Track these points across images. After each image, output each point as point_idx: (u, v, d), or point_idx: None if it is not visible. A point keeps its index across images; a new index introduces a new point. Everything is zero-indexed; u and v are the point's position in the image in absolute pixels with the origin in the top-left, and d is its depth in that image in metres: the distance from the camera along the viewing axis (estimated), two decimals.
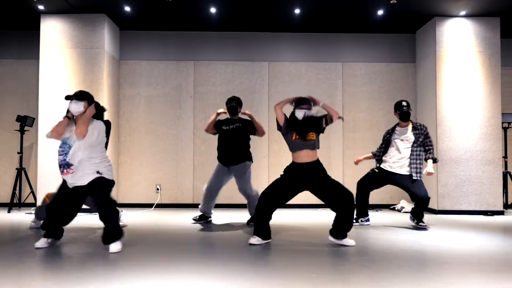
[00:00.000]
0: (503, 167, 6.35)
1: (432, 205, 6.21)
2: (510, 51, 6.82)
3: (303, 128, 3.78)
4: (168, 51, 6.86)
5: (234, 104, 4.90)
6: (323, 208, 6.58)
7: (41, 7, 5.91)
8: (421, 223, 4.67)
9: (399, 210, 6.43)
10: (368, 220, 4.94)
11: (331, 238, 3.74)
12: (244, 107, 6.52)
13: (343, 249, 3.59)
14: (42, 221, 4.48)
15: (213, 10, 6.01)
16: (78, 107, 3.46)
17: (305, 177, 3.77)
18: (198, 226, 4.87)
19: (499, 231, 4.65)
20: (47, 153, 6.04)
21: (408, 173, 4.65)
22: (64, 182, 3.53)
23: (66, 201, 3.51)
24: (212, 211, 5.16)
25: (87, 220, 5.15)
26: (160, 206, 6.67)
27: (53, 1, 5.72)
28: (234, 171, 4.85)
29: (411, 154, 4.65)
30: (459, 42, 6.19)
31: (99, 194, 3.45)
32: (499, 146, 6.13)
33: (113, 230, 3.43)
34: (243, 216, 5.59)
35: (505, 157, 6.44)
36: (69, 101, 3.51)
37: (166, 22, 6.52)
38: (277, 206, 3.84)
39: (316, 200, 6.73)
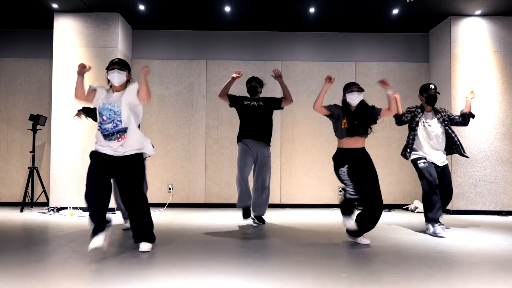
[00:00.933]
0: None
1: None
2: None
3: (359, 120, 3.65)
4: (181, 50, 6.83)
5: (254, 83, 4.83)
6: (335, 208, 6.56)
7: (55, 5, 5.89)
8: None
9: (412, 211, 6.41)
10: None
11: (347, 235, 3.76)
12: None
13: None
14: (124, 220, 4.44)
15: (227, 9, 5.99)
16: (121, 76, 3.39)
17: (352, 161, 3.62)
18: (215, 224, 4.84)
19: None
20: (59, 152, 6.02)
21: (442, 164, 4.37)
22: (96, 160, 3.32)
23: (105, 180, 3.30)
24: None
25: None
26: (172, 205, 6.65)
27: (67, 0, 5.70)
28: (256, 154, 4.67)
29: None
30: (474, 41, 6.17)
31: (136, 176, 3.33)
32: None
33: (147, 225, 3.37)
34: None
35: None
36: (110, 71, 3.40)
37: (179, 21, 6.50)
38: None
39: (329, 200, 6.73)
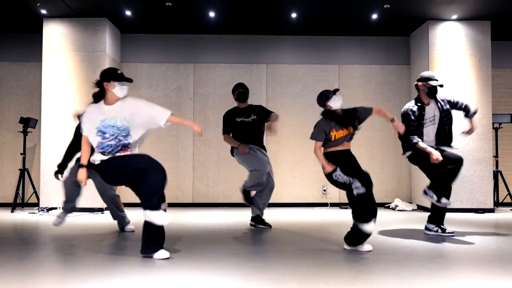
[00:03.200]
0: (494, 166, 6.54)
1: (425, 203, 6.40)
2: (500, 54, 7.01)
3: (344, 121, 3.60)
4: (168, 54, 7.01)
5: (241, 90, 4.76)
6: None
7: (43, 11, 6.05)
8: (445, 228, 4.22)
9: (393, 209, 6.61)
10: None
11: (346, 245, 3.56)
12: None
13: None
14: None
15: (212, 14, 6.17)
16: (127, 89, 3.31)
17: (342, 162, 3.55)
18: (203, 223, 5.02)
19: (491, 228, 4.84)
20: (50, 154, 6.18)
21: None
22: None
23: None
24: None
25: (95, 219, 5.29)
26: None
27: (56, 6, 5.87)
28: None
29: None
30: (451, 45, 6.38)
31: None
32: (490, 145, 6.32)
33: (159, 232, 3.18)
34: (243, 215, 5.74)
35: (496, 156, 6.63)
36: (120, 82, 3.24)
37: (166, 26, 6.68)
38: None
39: (313, 199, 6.94)
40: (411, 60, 7.01)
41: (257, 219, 4.73)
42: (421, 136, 4.15)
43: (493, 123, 6.42)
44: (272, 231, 4.55)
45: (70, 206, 4.27)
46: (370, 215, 3.40)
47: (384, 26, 6.62)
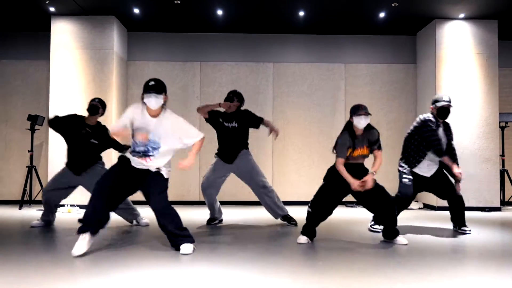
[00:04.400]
0: (500, 165, 6.55)
1: (431, 201, 6.42)
2: (507, 53, 7.02)
3: (355, 146, 3.61)
4: (175, 52, 7.02)
5: (231, 95, 4.64)
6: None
7: (52, 9, 6.06)
8: (464, 228, 4.29)
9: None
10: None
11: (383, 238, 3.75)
12: (248, 107, 6.70)
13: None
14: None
15: (219, 12, 6.19)
16: (158, 100, 3.23)
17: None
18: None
19: (497, 226, 4.86)
20: (57, 151, 6.19)
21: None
22: (119, 166, 3.34)
23: (117, 186, 3.32)
24: (218, 214, 4.85)
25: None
26: None
27: (64, 3, 5.88)
28: (236, 167, 4.63)
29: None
30: (458, 44, 6.39)
31: (161, 192, 3.30)
32: (496, 144, 6.33)
33: (183, 229, 3.32)
34: (250, 213, 5.75)
35: (502, 155, 6.64)
36: (146, 94, 3.21)
37: (173, 24, 6.69)
38: (329, 212, 3.73)
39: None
40: (417, 59, 7.03)
41: (286, 218, 4.71)
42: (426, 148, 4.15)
43: (499, 122, 6.44)
44: (280, 228, 4.56)
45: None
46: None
47: (390, 24, 6.63)
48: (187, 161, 3.36)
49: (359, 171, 3.65)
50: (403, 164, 4.26)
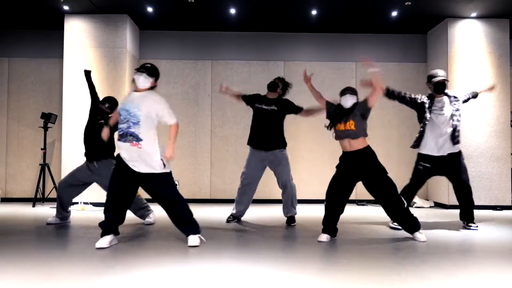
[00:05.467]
0: None
1: (443, 200, 6.44)
2: None
3: (337, 117, 3.77)
4: (187, 51, 7.05)
5: (276, 80, 4.74)
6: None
7: (65, 7, 6.09)
8: (470, 224, 4.40)
9: (411, 206, 6.64)
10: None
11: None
12: None
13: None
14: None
15: (232, 11, 6.21)
16: (146, 81, 3.42)
17: (352, 166, 3.74)
18: (221, 219, 5.06)
19: (509, 224, 4.88)
20: (70, 149, 6.23)
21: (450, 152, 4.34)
22: (120, 165, 3.42)
23: (124, 188, 3.42)
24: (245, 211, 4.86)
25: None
26: None
27: (78, 2, 5.91)
28: (269, 159, 4.60)
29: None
30: (470, 42, 6.40)
31: (171, 188, 3.48)
32: (508, 143, 6.34)
33: (193, 221, 3.51)
34: (264, 211, 5.77)
35: None
36: (138, 72, 3.42)
37: (185, 22, 6.71)
38: (343, 201, 3.79)
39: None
40: (429, 58, 7.04)
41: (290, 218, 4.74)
42: (425, 120, 4.39)
43: (511, 121, 6.45)
44: (295, 226, 4.58)
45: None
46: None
47: (402, 23, 6.64)
48: (167, 152, 3.45)
49: (355, 159, 3.73)
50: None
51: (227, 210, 5.89)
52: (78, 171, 4.56)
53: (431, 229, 4.35)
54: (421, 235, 3.73)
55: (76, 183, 4.53)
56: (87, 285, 2.38)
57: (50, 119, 6.41)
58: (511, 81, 6.64)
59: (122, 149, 3.39)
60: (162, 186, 3.46)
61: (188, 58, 7.02)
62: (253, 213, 5.55)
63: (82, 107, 6.27)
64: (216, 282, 2.45)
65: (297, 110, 4.73)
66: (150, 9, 6.17)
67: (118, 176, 3.43)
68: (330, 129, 3.83)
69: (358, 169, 3.72)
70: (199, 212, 5.65)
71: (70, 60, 6.34)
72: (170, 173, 3.53)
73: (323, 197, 6.89)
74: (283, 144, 4.68)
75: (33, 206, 6.16)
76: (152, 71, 3.46)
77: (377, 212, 5.76)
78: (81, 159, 6.20)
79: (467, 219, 4.47)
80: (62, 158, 6.26)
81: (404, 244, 3.56)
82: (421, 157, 4.46)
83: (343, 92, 3.87)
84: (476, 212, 5.79)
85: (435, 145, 4.36)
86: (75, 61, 6.33)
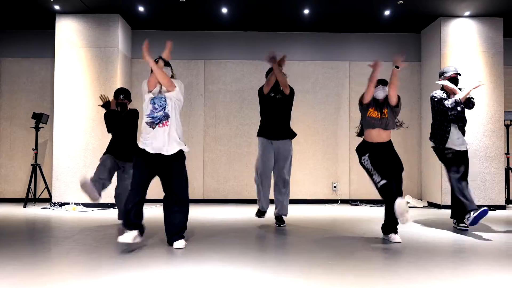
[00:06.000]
0: (505, 163, 6.55)
1: (436, 200, 6.41)
2: None
3: (380, 104, 3.84)
4: (179, 50, 7.00)
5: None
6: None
7: (56, 7, 6.05)
8: (461, 224, 4.41)
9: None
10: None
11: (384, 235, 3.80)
12: (253, 104, 6.71)
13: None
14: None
15: (224, 10, 6.17)
16: (167, 71, 3.52)
17: (382, 152, 3.80)
18: (214, 219, 5.03)
19: (502, 224, 4.85)
20: (62, 149, 6.20)
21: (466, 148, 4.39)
22: (141, 158, 3.45)
23: (146, 179, 3.48)
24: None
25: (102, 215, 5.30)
26: None
27: (69, 1, 5.87)
28: (278, 147, 4.49)
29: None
30: (463, 41, 6.38)
31: (181, 174, 3.49)
32: (501, 142, 6.32)
33: (183, 223, 3.49)
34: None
35: (507, 153, 6.64)
36: (157, 61, 3.45)
37: (178, 22, 6.68)
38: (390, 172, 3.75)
39: (323, 196, 6.94)
40: (422, 57, 7.01)
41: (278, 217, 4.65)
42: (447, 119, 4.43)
43: (504, 120, 6.43)
44: (287, 227, 4.55)
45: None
46: (392, 204, 3.54)
47: (395, 22, 6.61)
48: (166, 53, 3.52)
49: (382, 150, 3.80)
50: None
51: (220, 211, 5.88)
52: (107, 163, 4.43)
53: (422, 229, 4.33)
54: (396, 236, 3.69)
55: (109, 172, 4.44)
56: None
57: (41, 119, 6.37)
58: (505, 80, 6.63)
59: (152, 138, 3.39)
60: (179, 163, 3.47)
61: (181, 58, 6.98)
62: (243, 213, 5.52)
63: (73, 107, 6.24)
64: (197, 284, 2.42)
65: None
66: (141, 9, 6.13)
67: (139, 167, 3.47)
68: (365, 111, 3.86)
69: (387, 157, 3.80)
70: (191, 213, 5.60)
71: (62, 60, 6.30)
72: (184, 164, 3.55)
73: (315, 197, 6.96)
74: (293, 134, 4.61)
75: (24, 206, 6.13)
76: (166, 63, 3.54)
77: (370, 212, 5.74)
78: (72, 159, 6.19)
79: (458, 219, 4.45)
80: (53, 158, 6.23)
81: (392, 246, 3.53)
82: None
83: (376, 86, 3.88)
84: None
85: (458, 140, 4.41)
86: (67, 61, 6.30)
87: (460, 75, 4.51)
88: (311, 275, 2.64)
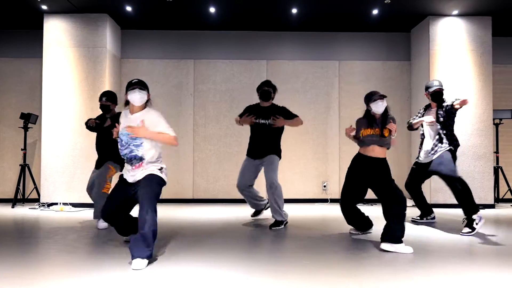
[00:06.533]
0: (494, 162, 6.54)
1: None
2: (501, 49, 7.00)
3: (383, 124, 3.63)
4: (169, 50, 7.01)
5: (266, 88, 4.56)
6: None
7: (44, 7, 6.04)
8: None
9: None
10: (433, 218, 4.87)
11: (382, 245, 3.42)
12: (243, 104, 6.69)
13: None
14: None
15: (212, 10, 6.17)
16: (142, 95, 3.19)
17: (366, 171, 3.67)
18: (203, 219, 5.03)
19: (491, 223, 4.85)
20: (50, 149, 6.19)
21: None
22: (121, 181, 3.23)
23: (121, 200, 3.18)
24: (263, 202, 4.87)
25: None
26: (160, 201, 6.81)
27: (56, 1, 5.86)
28: (262, 160, 4.57)
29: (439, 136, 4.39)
30: (452, 40, 6.37)
31: (148, 188, 3.04)
32: (490, 141, 6.32)
33: (144, 240, 2.89)
34: (243, 211, 5.75)
35: (496, 152, 6.63)
36: (130, 91, 3.19)
37: (167, 22, 6.67)
38: (357, 198, 3.83)
39: (313, 195, 6.95)
40: (412, 56, 7.01)
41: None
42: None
43: (493, 119, 6.42)
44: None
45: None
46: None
47: (384, 22, 6.61)
48: (137, 128, 3.08)
49: (371, 166, 3.64)
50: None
51: (210, 210, 5.88)
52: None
53: (409, 227, 4.32)
54: (388, 245, 3.43)
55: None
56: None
57: (29, 119, 6.37)
58: (494, 79, 6.62)
59: (126, 170, 3.21)
60: (149, 181, 3.09)
61: (171, 58, 6.98)
62: (231, 213, 5.52)
63: (61, 107, 6.24)
64: (177, 284, 2.42)
65: (292, 117, 4.65)
66: (129, 8, 6.13)
67: (116, 195, 3.18)
68: (358, 137, 3.74)
69: (370, 175, 3.64)
70: (181, 212, 5.62)
71: (50, 60, 6.29)
72: (163, 180, 3.22)
73: (305, 196, 6.95)
74: (277, 152, 4.62)
75: (13, 207, 6.12)
76: (142, 84, 3.23)
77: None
78: (60, 160, 6.19)
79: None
80: (42, 158, 6.22)
81: (374, 245, 3.53)
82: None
83: (372, 98, 3.66)
84: (458, 211, 5.77)
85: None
86: (55, 61, 6.29)
87: (443, 89, 4.45)
88: (284, 274, 2.64)
